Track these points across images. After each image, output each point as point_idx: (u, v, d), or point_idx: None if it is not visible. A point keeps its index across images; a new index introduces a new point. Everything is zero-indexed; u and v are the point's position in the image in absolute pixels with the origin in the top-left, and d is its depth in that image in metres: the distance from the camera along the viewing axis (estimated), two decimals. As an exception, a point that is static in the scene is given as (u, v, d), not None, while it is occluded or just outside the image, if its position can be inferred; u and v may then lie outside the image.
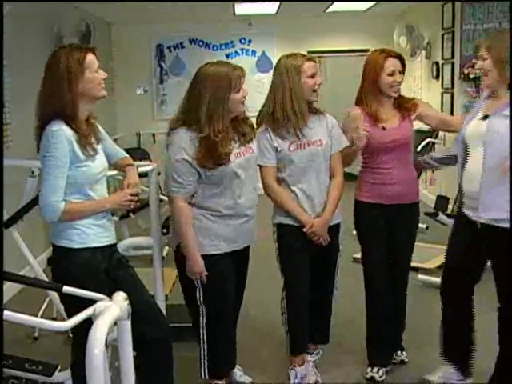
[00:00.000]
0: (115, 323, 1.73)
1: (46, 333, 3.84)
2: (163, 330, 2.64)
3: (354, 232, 3.38)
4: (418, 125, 3.35)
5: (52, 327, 1.78)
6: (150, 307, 2.63)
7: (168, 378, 2.67)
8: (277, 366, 3.39)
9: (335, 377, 3.33)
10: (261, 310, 4.12)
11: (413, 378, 3.21)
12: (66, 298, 2.33)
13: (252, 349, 3.63)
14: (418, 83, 7.95)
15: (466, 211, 2.88)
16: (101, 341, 1.55)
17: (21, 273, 3.98)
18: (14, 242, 3.55)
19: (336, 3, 7.54)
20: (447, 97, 7.02)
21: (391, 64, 3.08)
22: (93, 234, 2.45)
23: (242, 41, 9.02)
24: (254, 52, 9.05)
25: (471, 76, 6.17)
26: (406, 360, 3.42)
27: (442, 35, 7.09)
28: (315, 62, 3.06)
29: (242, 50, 9.03)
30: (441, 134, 6.31)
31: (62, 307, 2.96)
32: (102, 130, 2.62)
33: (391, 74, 3.08)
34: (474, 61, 2.86)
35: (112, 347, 2.39)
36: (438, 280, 3.20)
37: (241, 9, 7.82)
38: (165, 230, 4.15)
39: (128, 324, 1.79)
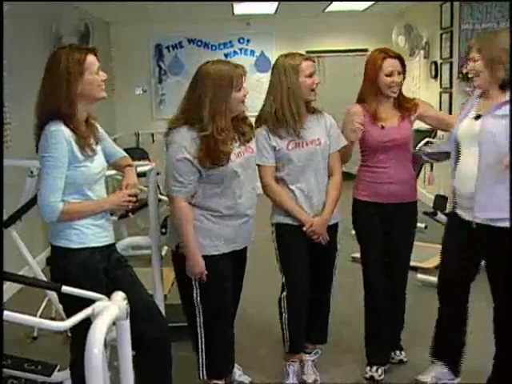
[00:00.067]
0: (114, 323, 1.73)
1: (45, 332, 3.84)
2: (162, 329, 2.64)
3: (353, 231, 3.39)
4: (417, 124, 3.36)
5: (51, 327, 1.78)
6: (148, 307, 2.63)
7: (167, 378, 2.68)
8: (274, 365, 3.39)
9: (334, 376, 3.34)
10: (258, 309, 4.13)
11: (411, 378, 3.21)
12: (64, 298, 2.34)
13: (249, 348, 3.64)
14: (417, 83, 7.96)
15: (459, 211, 2.89)
16: (100, 340, 1.55)
17: (20, 273, 3.99)
18: (13, 242, 3.55)
19: (334, 3, 7.55)
20: (446, 96, 7.03)
21: (389, 64, 3.09)
22: (91, 233, 2.46)
23: (241, 40, 9.03)
24: (252, 52, 9.06)
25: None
26: (405, 360, 3.43)
27: (441, 35, 7.10)
28: (313, 61, 3.07)
29: (240, 49, 9.04)
30: (439, 133, 6.32)
31: (60, 307, 2.96)
32: (101, 129, 2.62)
33: (389, 75, 3.09)
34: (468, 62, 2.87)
35: (111, 347, 2.40)
36: (436, 279, 3.21)
37: (239, 8, 7.82)
38: (163, 230, 4.15)
39: (127, 324, 1.79)
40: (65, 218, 2.37)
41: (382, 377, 3.27)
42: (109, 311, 1.69)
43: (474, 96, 2.91)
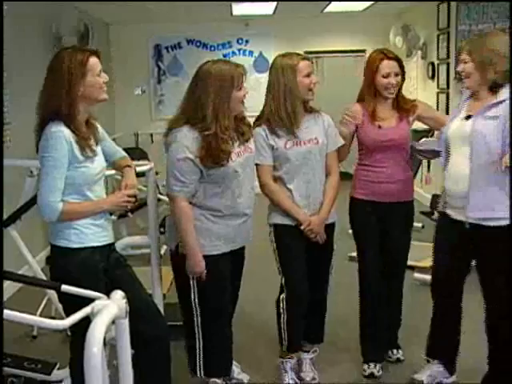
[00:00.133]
0: (113, 322, 1.75)
1: (45, 331, 3.85)
2: (161, 328, 2.65)
3: (350, 231, 3.40)
4: (414, 125, 3.37)
5: (50, 326, 1.80)
6: (147, 306, 2.64)
7: (166, 376, 2.69)
8: (272, 365, 3.39)
9: (331, 375, 3.35)
10: (256, 308, 4.13)
11: (409, 377, 3.22)
12: (64, 297, 2.34)
13: (247, 347, 3.64)
14: (414, 83, 7.98)
15: (449, 211, 2.91)
16: (99, 339, 1.57)
17: (19, 272, 3.99)
18: (13, 242, 3.56)
19: (333, 3, 7.56)
20: (443, 97, 7.05)
21: (386, 66, 3.11)
22: (91, 233, 2.47)
23: (239, 41, 9.04)
24: (251, 52, 9.08)
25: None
26: (402, 358, 3.44)
27: (438, 36, 7.12)
28: (311, 61, 3.09)
29: (239, 50, 9.06)
30: (437, 133, 6.33)
31: (60, 306, 2.96)
32: (101, 129, 2.63)
33: (386, 76, 3.11)
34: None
35: (110, 345, 2.42)
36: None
37: (238, 9, 7.84)
38: (162, 229, 4.16)
39: (126, 322, 1.80)
40: (64, 218, 2.38)
41: (381, 373, 3.30)
42: (108, 310, 1.70)
43: (464, 97, 2.95)
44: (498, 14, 6.19)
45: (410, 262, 3.54)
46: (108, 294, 1.86)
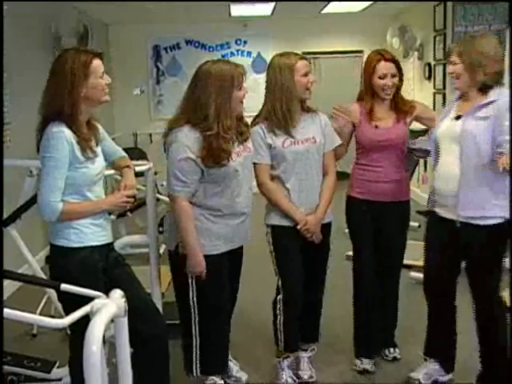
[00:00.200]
0: (112, 320, 1.77)
1: (45, 330, 3.86)
2: (159, 327, 2.66)
3: (347, 230, 3.42)
4: (412, 126, 3.40)
5: (50, 324, 1.80)
6: (146, 305, 2.66)
7: (164, 374, 2.70)
8: (270, 364, 3.39)
9: (327, 375, 3.35)
10: (255, 308, 4.12)
11: (405, 375, 3.24)
12: (63, 296, 2.35)
13: (245, 347, 3.65)
14: (411, 84, 7.99)
15: (437, 209, 2.94)
16: (98, 338, 1.59)
17: (19, 271, 4.00)
18: (13, 241, 3.57)
19: (331, 4, 7.57)
20: (439, 97, 7.08)
21: (383, 67, 3.13)
22: (90, 233, 2.48)
23: (238, 42, 9.06)
24: (249, 53, 9.09)
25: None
26: (399, 357, 3.46)
27: (434, 37, 7.15)
28: (309, 61, 3.10)
29: (237, 51, 9.07)
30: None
31: (59, 305, 2.96)
32: (102, 129, 2.64)
33: (382, 78, 3.14)
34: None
35: (109, 344, 2.44)
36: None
37: (236, 10, 7.85)
38: (161, 229, 4.17)
39: (125, 321, 1.82)
40: (64, 217, 2.39)
41: (374, 369, 3.32)
42: (107, 309, 1.72)
43: (453, 98, 2.98)
44: (493, 16, 6.23)
45: (406, 261, 3.56)
46: (107, 292, 1.88)
